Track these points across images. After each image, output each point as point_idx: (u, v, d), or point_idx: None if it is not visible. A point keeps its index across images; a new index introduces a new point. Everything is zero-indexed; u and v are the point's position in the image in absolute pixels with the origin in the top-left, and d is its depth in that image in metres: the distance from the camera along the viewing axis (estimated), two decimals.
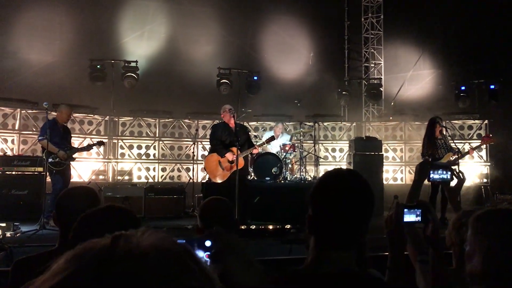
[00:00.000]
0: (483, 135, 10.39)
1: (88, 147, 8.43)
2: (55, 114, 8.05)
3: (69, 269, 0.61)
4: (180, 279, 0.63)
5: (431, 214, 1.90)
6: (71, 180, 8.11)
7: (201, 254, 1.12)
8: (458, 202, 3.26)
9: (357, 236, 1.52)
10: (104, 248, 0.64)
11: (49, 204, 7.17)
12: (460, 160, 7.91)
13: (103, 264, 0.61)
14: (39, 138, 7.65)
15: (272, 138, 8.14)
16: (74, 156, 7.88)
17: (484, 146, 10.60)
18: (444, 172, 3.61)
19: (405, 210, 1.87)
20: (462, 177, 3.55)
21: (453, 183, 3.74)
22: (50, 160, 7.37)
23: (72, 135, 8.52)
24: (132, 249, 0.63)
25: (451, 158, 7.95)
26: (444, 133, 8.18)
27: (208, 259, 1.16)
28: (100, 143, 8.41)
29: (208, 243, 1.17)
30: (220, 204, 2.78)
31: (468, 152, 8.35)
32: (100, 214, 1.73)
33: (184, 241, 1.04)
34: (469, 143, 10.86)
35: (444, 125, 8.31)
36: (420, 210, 1.89)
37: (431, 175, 3.65)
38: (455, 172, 3.61)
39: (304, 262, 1.55)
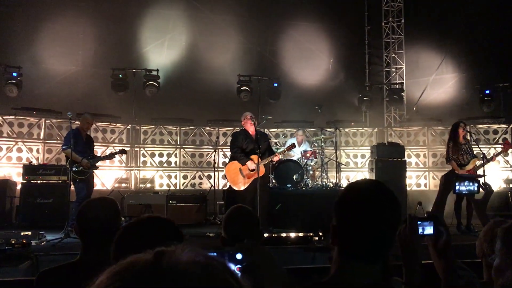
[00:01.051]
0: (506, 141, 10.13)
1: (111, 156, 8.52)
2: (78, 123, 8.17)
3: (112, 284, 0.61)
4: None
5: (443, 227, 1.85)
6: (94, 188, 8.21)
7: (232, 267, 1.11)
8: (486, 215, 3.15)
9: (383, 249, 1.48)
10: (147, 264, 0.64)
11: (73, 212, 7.25)
12: (485, 167, 7.66)
13: (147, 280, 0.61)
14: (63, 147, 7.77)
15: (292, 146, 8.12)
16: (97, 164, 7.98)
17: (510, 151, 10.33)
18: (471, 184, 3.51)
19: (419, 222, 1.82)
20: (489, 189, 3.44)
21: (480, 194, 3.63)
22: (74, 169, 7.47)
23: (95, 143, 8.63)
24: (175, 266, 0.64)
25: (476, 164, 7.72)
26: (468, 138, 7.98)
27: (239, 272, 1.14)
28: (122, 152, 8.50)
29: (239, 256, 1.16)
30: (244, 213, 2.75)
31: (492, 159, 8.01)
32: (142, 225, 1.73)
33: (216, 254, 1.03)
34: (495, 148, 10.63)
35: (468, 129, 8.10)
36: (432, 222, 1.84)
37: (457, 187, 3.55)
38: (481, 184, 3.52)
39: (328, 272, 1.52)
